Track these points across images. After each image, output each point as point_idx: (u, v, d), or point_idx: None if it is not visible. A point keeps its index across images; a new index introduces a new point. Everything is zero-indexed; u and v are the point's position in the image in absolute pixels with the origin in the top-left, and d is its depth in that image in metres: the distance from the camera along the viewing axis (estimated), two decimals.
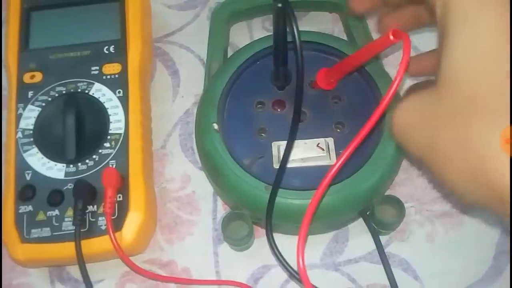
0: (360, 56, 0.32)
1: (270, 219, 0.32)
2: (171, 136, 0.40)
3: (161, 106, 0.41)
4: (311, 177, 0.34)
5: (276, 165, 0.35)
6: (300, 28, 0.31)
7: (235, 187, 0.34)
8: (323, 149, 0.35)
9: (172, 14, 0.45)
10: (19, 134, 0.36)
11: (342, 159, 0.28)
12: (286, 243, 0.33)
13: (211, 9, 0.45)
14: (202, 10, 0.45)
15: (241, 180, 0.34)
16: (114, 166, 0.35)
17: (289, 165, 0.34)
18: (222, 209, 0.38)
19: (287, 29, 0.33)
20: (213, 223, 0.37)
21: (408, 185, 0.38)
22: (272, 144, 0.35)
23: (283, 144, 0.35)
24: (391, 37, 0.27)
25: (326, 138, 0.35)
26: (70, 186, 0.34)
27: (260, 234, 0.37)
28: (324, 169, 0.34)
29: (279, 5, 0.30)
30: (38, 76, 0.37)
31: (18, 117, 0.36)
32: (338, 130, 0.36)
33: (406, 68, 0.25)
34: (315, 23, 0.43)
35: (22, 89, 0.37)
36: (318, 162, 0.35)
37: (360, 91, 0.37)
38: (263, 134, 0.36)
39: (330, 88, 0.37)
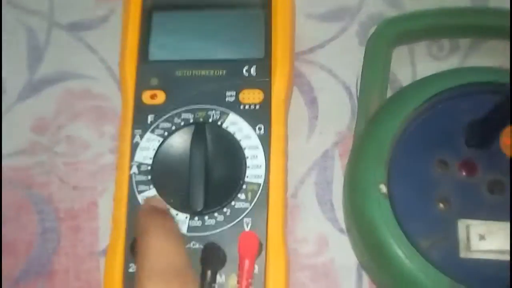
0: None
1: None
2: (304, 183, 0.32)
3: (293, 143, 0.33)
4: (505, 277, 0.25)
5: (464, 254, 0.26)
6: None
7: (406, 275, 0.26)
8: None
9: (312, 25, 0.36)
10: (134, 169, 0.29)
11: None
12: None
13: (362, 23, 0.36)
14: (351, 24, 0.36)
15: (416, 268, 0.26)
16: (249, 225, 0.27)
17: (480, 255, 0.26)
18: None
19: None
20: None
21: None
22: (458, 222, 0.27)
23: (474, 223, 0.26)
24: None
25: None
26: (193, 244, 0.27)
27: None
28: None
29: None
30: (161, 97, 0.30)
31: (134, 146, 0.29)
32: None
33: None
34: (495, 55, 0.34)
35: (140, 110, 0.30)
36: None
37: None
38: (443, 206, 0.27)
39: None
